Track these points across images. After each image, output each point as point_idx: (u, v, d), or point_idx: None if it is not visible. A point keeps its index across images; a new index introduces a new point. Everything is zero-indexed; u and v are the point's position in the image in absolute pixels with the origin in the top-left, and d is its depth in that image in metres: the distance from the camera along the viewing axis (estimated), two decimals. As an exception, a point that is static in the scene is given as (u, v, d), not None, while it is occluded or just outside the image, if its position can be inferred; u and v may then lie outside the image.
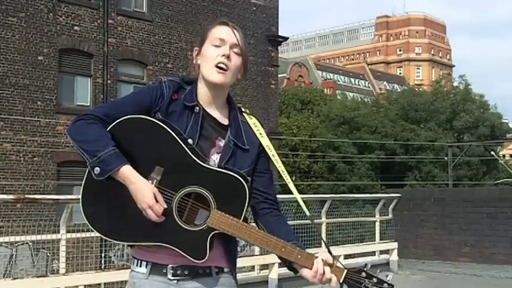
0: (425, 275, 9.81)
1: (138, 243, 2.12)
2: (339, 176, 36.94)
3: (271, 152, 2.23)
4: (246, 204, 2.08)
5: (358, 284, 2.07)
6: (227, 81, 2.17)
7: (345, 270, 2.08)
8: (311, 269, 2.07)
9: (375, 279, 2.07)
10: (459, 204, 10.96)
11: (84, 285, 6.38)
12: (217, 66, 2.14)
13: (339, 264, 2.11)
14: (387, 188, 25.12)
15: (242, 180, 2.07)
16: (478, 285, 9.20)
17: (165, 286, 2.12)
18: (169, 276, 2.11)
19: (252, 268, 8.52)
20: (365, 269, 2.08)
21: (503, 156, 59.17)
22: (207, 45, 2.18)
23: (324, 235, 9.20)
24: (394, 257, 10.81)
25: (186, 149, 2.06)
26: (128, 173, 1.99)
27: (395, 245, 10.91)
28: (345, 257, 9.09)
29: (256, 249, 8.26)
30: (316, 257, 2.08)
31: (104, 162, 1.98)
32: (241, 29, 2.24)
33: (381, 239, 10.99)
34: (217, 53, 2.15)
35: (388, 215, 11.26)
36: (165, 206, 2.00)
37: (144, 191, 1.98)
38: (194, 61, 2.22)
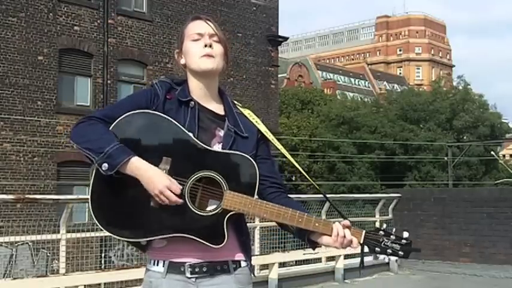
0: (425, 275, 9.79)
1: (152, 238, 2.08)
2: (338, 176, 36.98)
3: (270, 136, 2.26)
4: (258, 181, 2.08)
5: (378, 243, 2.15)
6: (217, 67, 2.20)
7: (363, 231, 2.14)
8: (330, 235, 2.10)
9: (392, 237, 2.16)
10: (459, 204, 10.93)
11: (84, 285, 6.36)
12: (203, 56, 2.18)
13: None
14: (387, 188, 25.13)
15: (249, 157, 2.08)
16: (478, 285, 9.18)
17: (183, 285, 2.09)
18: (188, 274, 2.08)
19: (252, 268, 8.48)
20: (382, 228, 2.17)
21: (503, 156, 59.21)
22: (187, 42, 2.22)
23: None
24: (394, 257, 10.75)
25: (191, 136, 2.07)
26: (138, 163, 1.99)
27: (395, 245, 10.88)
28: (345, 257, 9.07)
29: (257, 249, 8.26)
30: (334, 222, 2.12)
31: (111, 156, 1.98)
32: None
33: (381, 239, 10.96)
34: (198, 45, 2.19)
35: (388, 215, 11.24)
36: (181, 187, 2.00)
37: (158, 175, 1.99)
38: (178, 62, 2.26)
